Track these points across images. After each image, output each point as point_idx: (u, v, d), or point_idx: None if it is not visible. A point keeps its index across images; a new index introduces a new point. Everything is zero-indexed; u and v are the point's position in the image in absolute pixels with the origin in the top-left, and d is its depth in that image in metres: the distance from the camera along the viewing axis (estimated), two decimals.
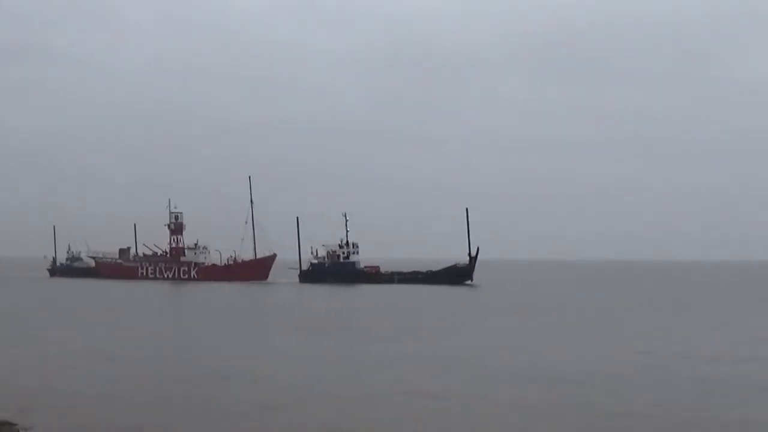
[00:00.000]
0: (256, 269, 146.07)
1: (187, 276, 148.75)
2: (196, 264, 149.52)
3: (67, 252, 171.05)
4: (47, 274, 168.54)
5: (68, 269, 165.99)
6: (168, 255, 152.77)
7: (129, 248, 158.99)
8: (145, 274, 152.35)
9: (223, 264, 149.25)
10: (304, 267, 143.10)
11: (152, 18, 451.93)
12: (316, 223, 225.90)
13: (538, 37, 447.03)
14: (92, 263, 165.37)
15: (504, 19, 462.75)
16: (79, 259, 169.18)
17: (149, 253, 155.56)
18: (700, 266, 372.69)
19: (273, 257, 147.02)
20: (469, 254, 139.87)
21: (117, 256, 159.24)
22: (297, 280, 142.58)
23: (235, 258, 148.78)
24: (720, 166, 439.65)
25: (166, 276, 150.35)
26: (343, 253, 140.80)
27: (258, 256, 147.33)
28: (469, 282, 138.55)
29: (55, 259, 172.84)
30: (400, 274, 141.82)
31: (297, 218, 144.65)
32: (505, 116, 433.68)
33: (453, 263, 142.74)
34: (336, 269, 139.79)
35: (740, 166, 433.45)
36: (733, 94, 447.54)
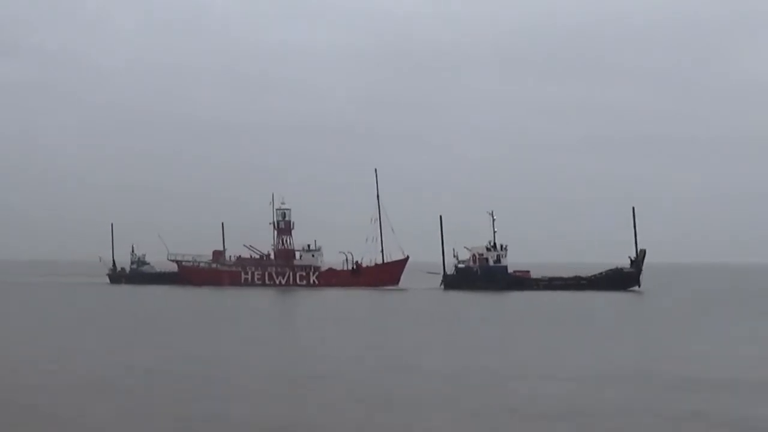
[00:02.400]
0: (387, 274, 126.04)
1: (305, 282, 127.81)
2: (314, 268, 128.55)
3: (131, 255, 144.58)
4: (107, 280, 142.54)
5: (136, 275, 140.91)
6: (272, 258, 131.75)
7: (225, 250, 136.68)
8: (250, 280, 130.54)
9: (348, 268, 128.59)
10: (445, 271, 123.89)
11: (133, 16, 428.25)
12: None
13: (537, 35, 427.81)
14: (153, 267, 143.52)
15: (497, 16, 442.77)
16: (145, 263, 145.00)
17: (245, 255, 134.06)
18: None
19: (405, 260, 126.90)
20: (631, 257, 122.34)
21: (198, 260, 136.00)
22: (437, 286, 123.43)
23: (358, 261, 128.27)
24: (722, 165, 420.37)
25: (278, 282, 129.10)
26: (493, 256, 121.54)
27: (381, 259, 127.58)
28: (635, 288, 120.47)
29: (114, 263, 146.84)
30: (560, 279, 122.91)
31: (440, 217, 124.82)
32: (505, 114, 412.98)
33: (614, 267, 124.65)
34: (486, 274, 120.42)
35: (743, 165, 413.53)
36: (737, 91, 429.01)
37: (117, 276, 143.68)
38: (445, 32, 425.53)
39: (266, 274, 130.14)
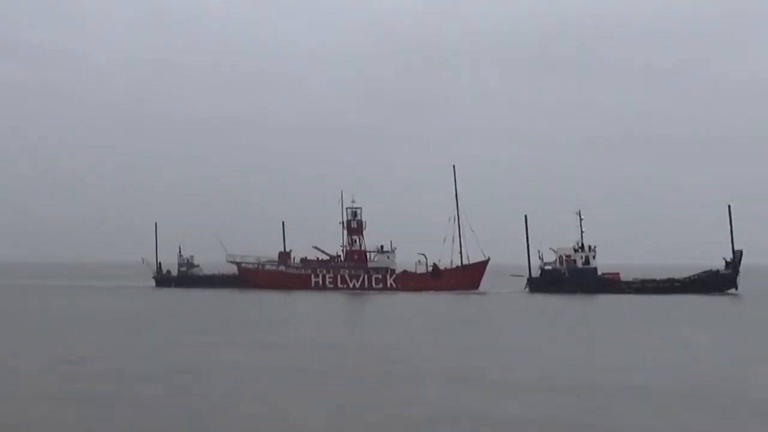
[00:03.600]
0: (467, 276, 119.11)
1: (381, 285, 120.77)
2: (391, 270, 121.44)
3: (179, 257, 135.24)
4: (153, 283, 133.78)
5: (186, 278, 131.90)
6: (341, 259, 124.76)
7: (290, 251, 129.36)
8: (321, 283, 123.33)
9: (425, 270, 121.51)
10: (530, 273, 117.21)
11: (132, 15, 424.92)
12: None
13: (533, 31, 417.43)
14: (202, 269, 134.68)
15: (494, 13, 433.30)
16: (194, 265, 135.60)
17: (311, 257, 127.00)
18: None
19: (486, 262, 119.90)
20: (726, 258, 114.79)
21: (262, 262, 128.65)
22: (520, 289, 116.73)
23: (435, 263, 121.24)
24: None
25: (351, 285, 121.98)
26: (581, 257, 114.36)
27: (459, 260, 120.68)
28: (732, 291, 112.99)
29: (160, 265, 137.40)
30: (653, 281, 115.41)
31: (525, 216, 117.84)
32: (503, 112, 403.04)
33: (707, 269, 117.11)
34: (574, 277, 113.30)
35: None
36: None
37: (164, 279, 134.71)
38: (446, 30, 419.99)
39: (338, 276, 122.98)
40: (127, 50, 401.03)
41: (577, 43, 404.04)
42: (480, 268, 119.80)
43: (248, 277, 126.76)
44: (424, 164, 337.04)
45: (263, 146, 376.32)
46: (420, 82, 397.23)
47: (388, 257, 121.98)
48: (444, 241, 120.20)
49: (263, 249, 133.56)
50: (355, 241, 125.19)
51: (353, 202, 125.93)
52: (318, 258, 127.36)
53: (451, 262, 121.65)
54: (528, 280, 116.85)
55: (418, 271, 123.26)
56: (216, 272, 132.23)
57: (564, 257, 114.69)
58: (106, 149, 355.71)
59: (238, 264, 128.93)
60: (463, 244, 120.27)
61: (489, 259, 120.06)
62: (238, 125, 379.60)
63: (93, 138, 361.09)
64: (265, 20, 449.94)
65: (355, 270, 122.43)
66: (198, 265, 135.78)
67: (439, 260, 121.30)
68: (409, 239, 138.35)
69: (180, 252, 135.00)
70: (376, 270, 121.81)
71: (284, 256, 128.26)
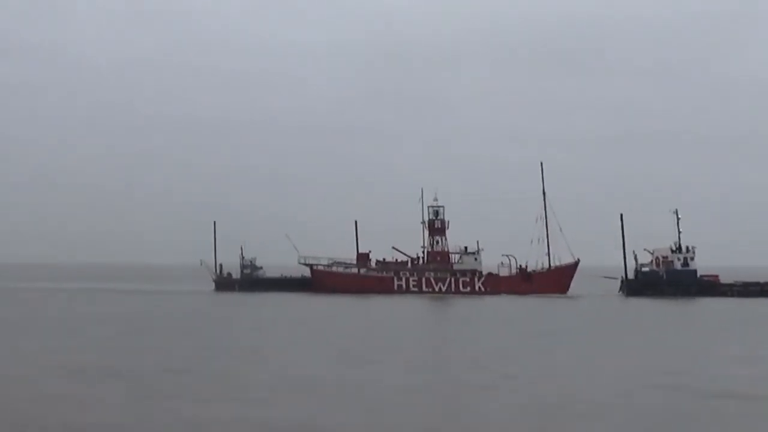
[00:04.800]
0: (557, 279, 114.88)
1: (468, 288, 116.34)
2: (479, 273, 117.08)
3: (241, 258, 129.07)
4: (213, 286, 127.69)
5: (250, 281, 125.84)
6: (421, 262, 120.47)
7: (369, 252, 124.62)
8: (404, 286, 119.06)
9: (509, 272, 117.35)
10: (626, 276, 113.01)
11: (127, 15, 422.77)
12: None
13: (532, 29, 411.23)
14: (265, 272, 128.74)
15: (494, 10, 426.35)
16: (257, 267, 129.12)
17: (389, 259, 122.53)
18: None
19: (575, 265, 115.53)
20: None
21: (339, 263, 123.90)
22: (614, 292, 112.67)
23: (521, 265, 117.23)
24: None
25: (437, 288, 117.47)
26: (679, 258, 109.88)
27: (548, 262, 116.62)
28: None
29: (221, 268, 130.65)
30: (756, 284, 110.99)
31: (621, 215, 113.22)
32: (504, 110, 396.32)
33: None
34: (672, 279, 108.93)
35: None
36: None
37: (226, 282, 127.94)
38: (445, 29, 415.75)
39: (423, 279, 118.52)
40: (126, 50, 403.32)
41: (577, 43, 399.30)
42: (570, 270, 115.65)
43: (322, 280, 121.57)
44: (424, 164, 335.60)
45: (263, 145, 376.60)
46: (420, 82, 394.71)
47: (475, 259, 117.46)
48: (531, 242, 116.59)
49: (330, 250, 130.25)
50: (438, 242, 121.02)
51: (435, 200, 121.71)
52: (396, 260, 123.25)
53: (536, 264, 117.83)
54: (622, 282, 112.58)
55: (502, 274, 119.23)
56: (279, 275, 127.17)
57: (661, 259, 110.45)
58: (105, 149, 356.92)
59: (311, 266, 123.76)
60: (550, 245, 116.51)
61: (578, 261, 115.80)
62: (238, 125, 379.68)
63: (93, 138, 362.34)
64: (265, 20, 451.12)
65: (440, 272, 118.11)
66: (261, 267, 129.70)
67: (526, 262, 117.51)
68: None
69: (242, 253, 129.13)
70: (463, 272, 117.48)
71: (363, 257, 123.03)
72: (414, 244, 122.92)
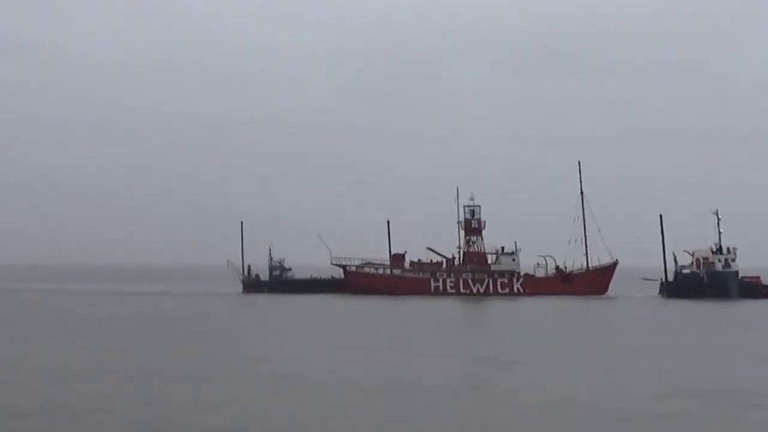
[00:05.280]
0: (596, 280, 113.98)
1: (507, 290, 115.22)
2: (517, 274, 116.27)
3: (270, 259, 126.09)
4: (240, 288, 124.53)
5: (280, 283, 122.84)
6: (456, 262, 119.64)
7: (405, 253, 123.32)
8: (441, 288, 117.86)
9: (545, 273, 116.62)
10: (666, 277, 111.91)
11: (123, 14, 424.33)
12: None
13: (532, 29, 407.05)
14: (294, 273, 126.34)
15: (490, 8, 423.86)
16: (287, 269, 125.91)
17: (424, 260, 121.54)
18: None
19: (614, 265, 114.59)
20: None
21: (372, 264, 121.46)
22: (653, 293, 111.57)
23: (558, 266, 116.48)
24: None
25: (475, 290, 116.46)
26: (720, 260, 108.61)
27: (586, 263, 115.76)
28: None
29: (249, 269, 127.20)
30: None
31: (660, 216, 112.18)
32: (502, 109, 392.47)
33: None
34: (714, 281, 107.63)
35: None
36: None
37: (254, 283, 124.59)
38: (445, 28, 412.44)
39: (460, 281, 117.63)
40: (126, 50, 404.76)
41: (577, 43, 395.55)
42: (608, 271, 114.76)
43: (357, 282, 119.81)
44: (423, 163, 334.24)
45: (263, 145, 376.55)
46: (420, 82, 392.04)
47: (513, 259, 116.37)
48: (569, 242, 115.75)
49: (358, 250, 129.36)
50: (474, 242, 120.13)
51: (471, 199, 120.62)
52: (431, 260, 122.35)
53: (573, 264, 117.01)
54: (662, 284, 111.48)
55: (537, 275, 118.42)
56: (308, 276, 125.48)
57: (702, 260, 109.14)
58: (105, 149, 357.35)
59: (344, 267, 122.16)
60: (588, 245, 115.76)
61: (617, 261, 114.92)
62: (238, 125, 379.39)
63: (93, 138, 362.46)
64: (265, 20, 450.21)
65: (478, 273, 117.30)
66: (290, 269, 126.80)
67: (564, 263, 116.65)
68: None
69: (270, 254, 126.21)
70: (501, 273, 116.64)
71: (399, 258, 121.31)
72: (436, 243, 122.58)
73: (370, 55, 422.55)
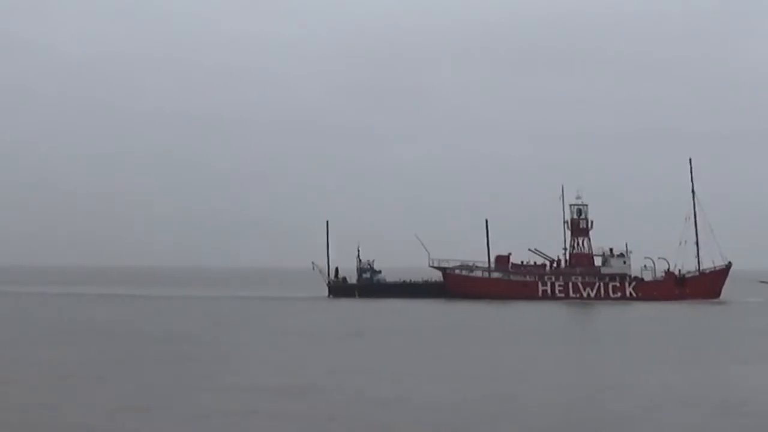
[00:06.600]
0: (709, 284, 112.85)
1: (618, 294, 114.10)
2: (630, 278, 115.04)
3: (358, 261, 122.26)
4: (326, 292, 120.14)
5: (371, 286, 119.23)
6: (564, 264, 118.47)
7: (509, 255, 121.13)
8: (550, 292, 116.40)
9: (653, 276, 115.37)
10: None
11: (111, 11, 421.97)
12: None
13: (535, 27, 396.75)
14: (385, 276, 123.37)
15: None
16: (377, 271, 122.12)
17: (528, 262, 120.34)
18: None
19: (727, 268, 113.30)
20: None
21: (476, 267, 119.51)
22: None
23: (666, 269, 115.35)
24: None
25: (585, 294, 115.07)
26: None
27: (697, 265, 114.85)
28: None
29: (337, 271, 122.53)
30: None
31: None
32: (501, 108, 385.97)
33: None
34: None
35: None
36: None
37: (343, 287, 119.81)
38: (445, 28, 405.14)
39: (569, 284, 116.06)
40: (104, 44, 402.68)
41: (582, 40, 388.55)
42: (722, 274, 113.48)
43: (458, 286, 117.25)
44: (424, 164, 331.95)
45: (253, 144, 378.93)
46: (412, 79, 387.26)
47: (624, 262, 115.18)
48: (680, 243, 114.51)
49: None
50: (581, 243, 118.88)
51: (578, 198, 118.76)
52: (534, 263, 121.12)
53: (683, 267, 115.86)
54: None
55: (645, 278, 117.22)
56: (398, 279, 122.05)
57: None
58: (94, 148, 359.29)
59: (443, 270, 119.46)
60: (700, 247, 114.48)
61: (730, 264, 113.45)
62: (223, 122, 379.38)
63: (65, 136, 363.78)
64: (251, 16, 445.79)
65: (588, 277, 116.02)
66: (381, 271, 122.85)
67: (675, 265, 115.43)
68: None
69: (359, 255, 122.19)
70: (612, 277, 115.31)
71: (504, 260, 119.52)
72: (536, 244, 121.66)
73: (366, 54, 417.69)
